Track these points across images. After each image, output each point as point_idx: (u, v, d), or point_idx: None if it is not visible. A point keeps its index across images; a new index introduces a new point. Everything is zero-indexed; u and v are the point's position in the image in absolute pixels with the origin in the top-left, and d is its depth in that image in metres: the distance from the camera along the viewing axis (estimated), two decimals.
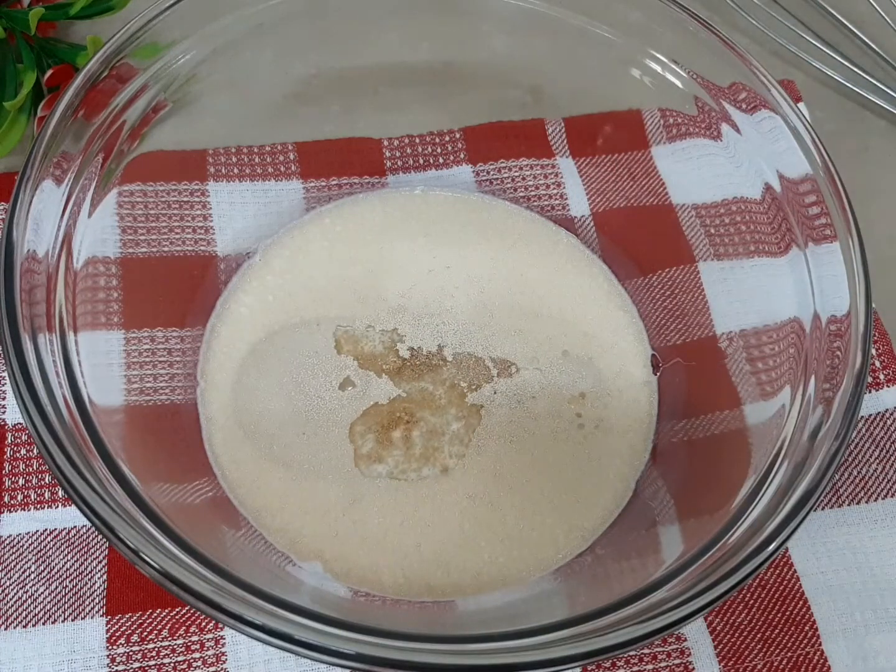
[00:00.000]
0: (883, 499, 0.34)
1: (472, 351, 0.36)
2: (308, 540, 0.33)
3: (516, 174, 0.41)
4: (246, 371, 0.36)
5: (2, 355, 0.26)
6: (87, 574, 0.32)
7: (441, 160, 0.42)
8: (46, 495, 0.33)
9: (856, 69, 0.45)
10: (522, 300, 0.38)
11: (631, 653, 0.31)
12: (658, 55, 0.35)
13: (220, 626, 0.31)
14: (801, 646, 0.32)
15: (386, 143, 0.42)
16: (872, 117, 0.46)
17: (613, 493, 0.34)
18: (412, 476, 0.34)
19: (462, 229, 0.39)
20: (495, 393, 0.36)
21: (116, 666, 0.31)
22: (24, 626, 0.31)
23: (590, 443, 0.35)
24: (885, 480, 0.34)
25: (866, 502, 0.34)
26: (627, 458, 0.35)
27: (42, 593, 0.32)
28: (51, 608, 0.31)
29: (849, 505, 0.34)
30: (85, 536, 0.33)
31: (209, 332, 0.37)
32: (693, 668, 0.31)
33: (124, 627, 0.31)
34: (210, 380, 0.36)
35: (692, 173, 0.37)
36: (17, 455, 0.34)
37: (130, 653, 0.31)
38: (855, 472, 0.35)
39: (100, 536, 0.32)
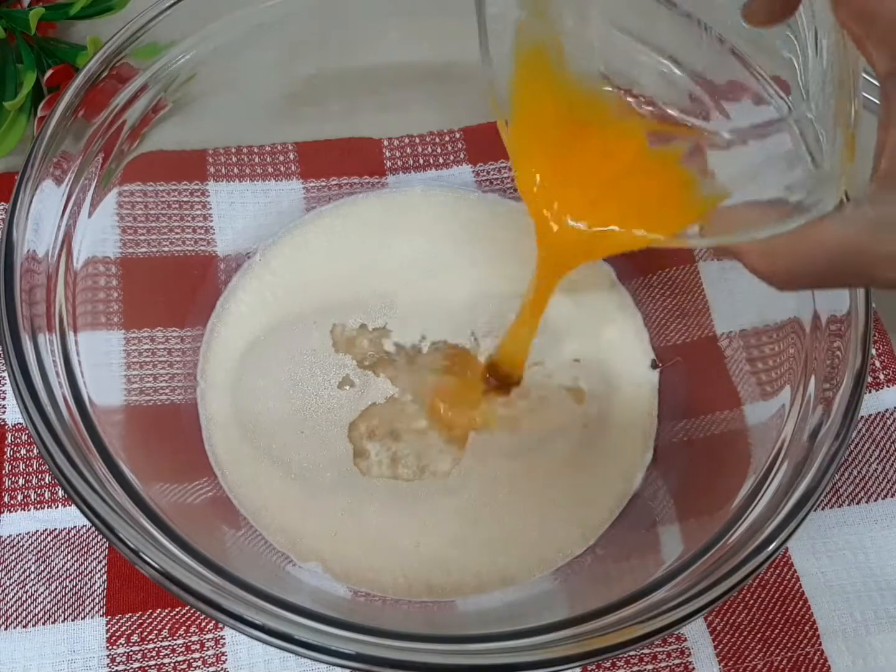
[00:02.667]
0: (883, 499, 0.34)
1: (473, 350, 0.36)
2: (307, 540, 0.33)
3: None
4: (245, 370, 0.36)
5: (2, 355, 0.26)
6: (87, 574, 0.32)
7: (441, 160, 0.42)
8: (46, 495, 0.33)
9: None
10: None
11: (631, 653, 0.31)
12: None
13: (220, 626, 0.31)
14: (801, 646, 0.32)
15: (386, 143, 0.42)
16: (872, 117, 0.46)
17: (615, 492, 0.34)
18: (410, 476, 0.34)
19: (462, 228, 0.39)
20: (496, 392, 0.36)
21: (116, 666, 0.31)
22: (24, 626, 0.31)
23: (591, 441, 0.35)
24: (885, 480, 0.34)
25: (866, 502, 0.34)
26: (629, 457, 0.35)
27: (42, 593, 0.32)
28: (51, 608, 0.31)
29: (849, 505, 0.34)
30: (85, 536, 0.33)
31: (209, 332, 0.37)
32: (693, 668, 0.31)
33: (124, 627, 0.31)
34: (210, 380, 0.36)
35: None
36: (17, 455, 0.34)
37: (130, 653, 0.31)
38: (855, 473, 0.35)
39: (100, 536, 0.32)
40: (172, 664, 0.31)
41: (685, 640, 0.32)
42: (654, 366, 0.37)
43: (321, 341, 0.36)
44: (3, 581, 0.32)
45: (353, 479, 0.34)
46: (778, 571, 0.33)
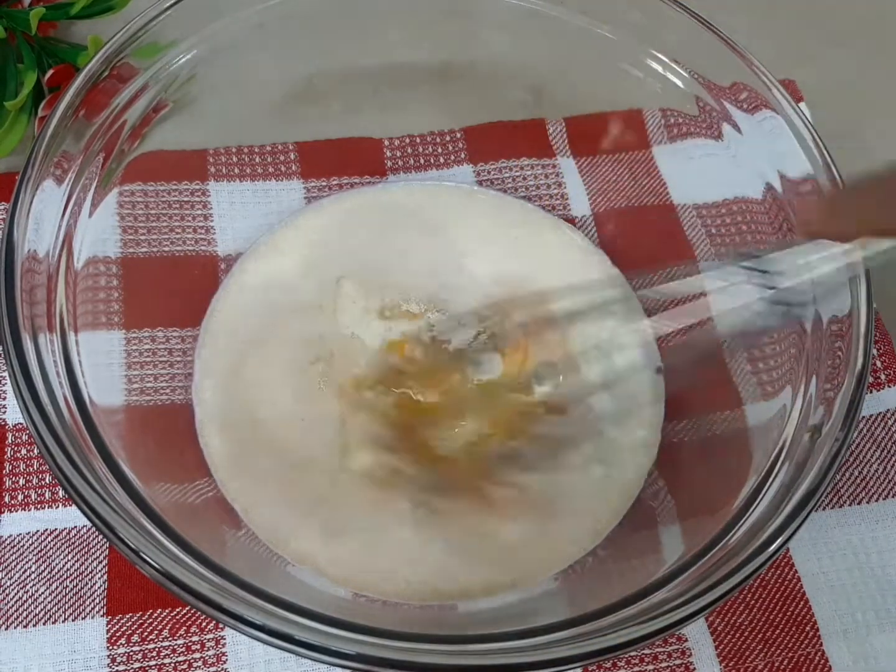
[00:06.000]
0: (883, 499, 0.34)
1: (476, 346, 0.36)
2: (300, 542, 0.32)
3: (517, 174, 0.41)
4: (245, 356, 0.36)
5: (2, 355, 0.26)
6: (88, 574, 0.32)
7: (441, 160, 0.42)
8: (46, 495, 0.33)
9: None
10: (529, 298, 0.38)
11: (632, 653, 0.31)
12: (659, 55, 0.35)
13: (221, 626, 0.31)
14: (802, 646, 0.32)
15: (386, 142, 0.42)
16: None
17: (625, 488, 0.34)
18: (404, 480, 0.34)
19: (476, 224, 0.39)
20: (498, 390, 0.36)
21: (117, 666, 0.31)
22: (25, 626, 0.31)
23: (599, 437, 0.35)
24: (886, 481, 0.34)
25: (867, 503, 0.34)
26: (639, 449, 0.35)
27: (42, 593, 0.32)
28: (51, 608, 0.31)
29: (849, 505, 0.34)
30: (85, 536, 0.33)
31: (207, 317, 0.36)
32: (694, 669, 0.31)
33: (124, 627, 0.31)
34: (206, 363, 0.35)
35: (693, 173, 0.37)
36: (18, 455, 0.34)
37: (131, 653, 0.31)
38: (856, 473, 0.35)
39: (100, 536, 0.32)
40: (173, 664, 0.31)
41: (686, 640, 0.32)
42: (658, 371, 0.37)
43: (324, 327, 0.36)
44: (3, 581, 0.32)
45: (343, 484, 0.33)
46: (779, 572, 0.33)
